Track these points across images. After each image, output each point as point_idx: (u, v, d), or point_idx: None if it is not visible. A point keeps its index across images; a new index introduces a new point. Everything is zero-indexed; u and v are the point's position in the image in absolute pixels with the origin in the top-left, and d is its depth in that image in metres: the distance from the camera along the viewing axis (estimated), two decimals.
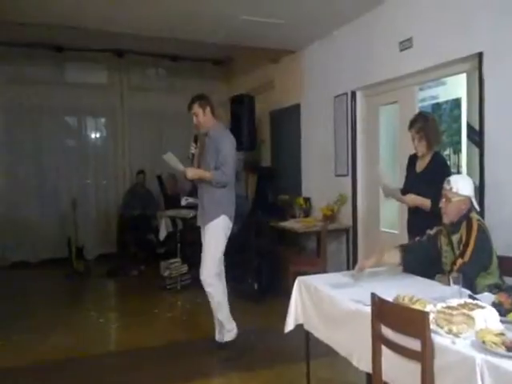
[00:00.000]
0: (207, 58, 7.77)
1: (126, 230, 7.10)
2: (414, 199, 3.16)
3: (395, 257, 2.71)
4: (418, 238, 2.77)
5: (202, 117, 3.67)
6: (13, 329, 4.30)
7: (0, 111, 7.07)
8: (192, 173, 3.64)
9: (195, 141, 3.74)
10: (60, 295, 5.76)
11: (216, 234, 3.65)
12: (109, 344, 4.20)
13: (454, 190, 2.51)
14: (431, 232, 2.73)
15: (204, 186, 3.70)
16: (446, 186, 2.57)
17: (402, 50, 4.36)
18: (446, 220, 2.58)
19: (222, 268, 3.74)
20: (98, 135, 7.87)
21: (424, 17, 4.10)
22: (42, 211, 7.28)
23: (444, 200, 2.56)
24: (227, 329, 3.71)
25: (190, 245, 6.32)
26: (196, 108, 3.66)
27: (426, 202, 3.08)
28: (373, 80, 4.86)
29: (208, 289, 3.64)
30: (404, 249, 2.74)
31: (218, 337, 3.81)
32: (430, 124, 3.24)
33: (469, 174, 3.80)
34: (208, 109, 3.68)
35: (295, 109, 6.30)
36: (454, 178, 2.61)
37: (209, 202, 3.67)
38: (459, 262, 2.42)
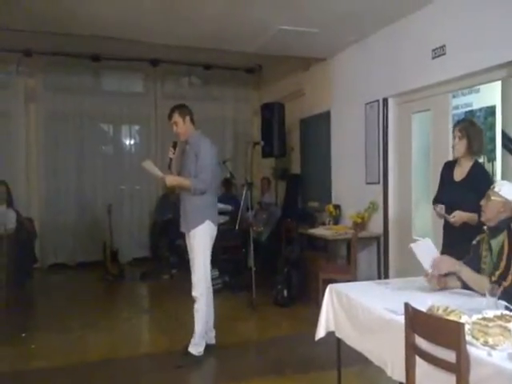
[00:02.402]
0: (239, 66, 7.89)
1: (158, 235, 7.25)
2: (461, 216, 3.06)
3: (456, 282, 2.60)
4: (467, 257, 2.64)
5: (182, 126, 3.70)
6: (48, 330, 4.44)
7: (41, 117, 7.34)
8: (171, 180, 3.67)
9: (174, 146, 3.77)
10: (95, 298, 5.91)
11: (203, 240, 3.65)
12: (142, 346, 4.29)
13: (496, 189, 2.50)
14: (474, 242, 2.66)
15: (185, 192, 3.70)
16: (491, 186, 2.57)
17: (434, 58, 4.34)
18: (483, 218, 2.56)
19: (209, 277, 3.73)
20: (132, 142, 8.07)
21: (457, 24, 4.07)
22: (80, 216, 7.51)
23: (485, 199, 2.54)
24: (196, 342, 3.66)
25: (220, 250, 6.40)
26: (176, 117, 3.70)
27: (473, 217, 2.96)
28: (405, 87, 4.84)
29: (195, 292, 3.66)
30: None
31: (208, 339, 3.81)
32: (474, 128, 3.21)
33: None
34: (188, 118, 3.72)
35: (325, 116, 6.31)
36: (500, 181, 2.65)
37: (192, 208, 3.66)
38: (504, 284, 2.33)
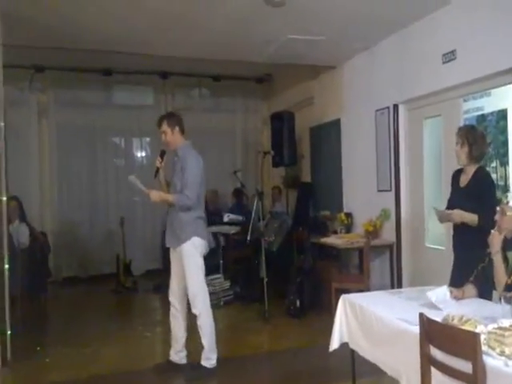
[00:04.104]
0: (248, 76, 7.92)
1: None
2: (461, 215, 3.08)
3: (472, 291, 2.62)
4: (482, 265, 2.63)
5: (171, 136, 3.63)
6: (62, 344, 4.44)
7: (54, 132, 7.43)
8: (155, 196, 3.59)
9: (161, 156, 3.69)
10: (108, 310, 5.93)
11: (192, 257, 3.59)
12: (155, 358, 4.25)
13: (511, 203, 2.47)
14: (489, 250, 2.62)
15: (172, 207, 3.65)
16: (503, 199, 2.54)
17: (444, 63, 4.31)
18: (499, 233, 2.52)
19: (207, 293, 3.70)
20: (143, 154, 8.14)
21: (467, 29, 4.05)
22: (93, 228, 7.56)
23: (499, 213, 2.51)
24: (207, 355, 3.61)
25: (232, 261, 6.39)
26: (165, 127, 3.63)
27: (473, 218, 3.01)
28: (415, 93, 4.81)
29: (194, 310, 3.60)
30: (476, 283, 2.63)
31: (173, 357, 3.75)
32: (476, 134, 3.19)
33: None
34: (177, 128, 3.65)
35: (335, 124, 6.30)
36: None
37: (179, 223, 3.60)
38: None
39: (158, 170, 3.71)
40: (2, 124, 3.96)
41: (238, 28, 4.81)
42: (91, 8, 4.24)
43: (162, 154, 3.72)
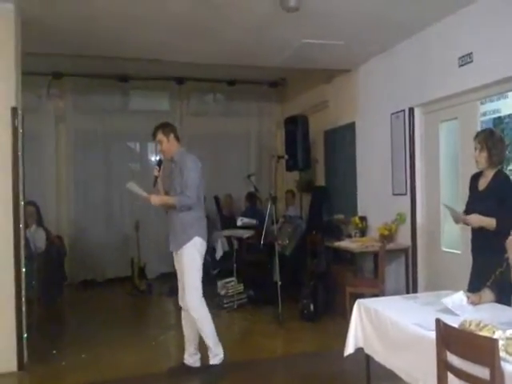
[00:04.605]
0: (262, 80, 7.94)
1: None
2: (478, 219, 3.04)
3: (490, 296, 2.58)
4: (499, 270, 2.60)
5: (166, 144, 3.72)
6: (78, 347, 4.47)
7: (71, 137, 7.54)
8: (156, 199, 3.68)
9: (159, 164, 3.79)
10: (123, 313, 5.96)
11: (192, 257, 3.61)
12: (169, 362, 4.26)
13: None
14: (507, 255, 2.58)
15: (172, 210, 3.70)
16: None
17: (461, 66, 4.27)
18: None
19: (202, 298, 3.67)
20: (158, 159, 8.18)
21: (484, 31, 4.00)
22: (108, 232, 7.62)
23: None
24: (214, 353, 3.63)
25: (246, 264, 6.39)
26: (160, 136, 3.73)
27: (491, 222, 2.97)
28: (431, 96, 4.77)
29: (192, 313, 3.61)
30: (494, 288, 2.60)
31: (187, 360, 3.78)
32: (494, 138, 3.15)
33: None
34: (172, 136, 3.74)
35: (350, 127, 6.27)
36: None
37: (180, 226, 3.65)
38: None
39: (156, 179, 3.79)
40: (21, 130, 4.03)
41: (253, 33, 4.82)
42: (107, 16, 4.29)
43: (159, 163, 3.82)
